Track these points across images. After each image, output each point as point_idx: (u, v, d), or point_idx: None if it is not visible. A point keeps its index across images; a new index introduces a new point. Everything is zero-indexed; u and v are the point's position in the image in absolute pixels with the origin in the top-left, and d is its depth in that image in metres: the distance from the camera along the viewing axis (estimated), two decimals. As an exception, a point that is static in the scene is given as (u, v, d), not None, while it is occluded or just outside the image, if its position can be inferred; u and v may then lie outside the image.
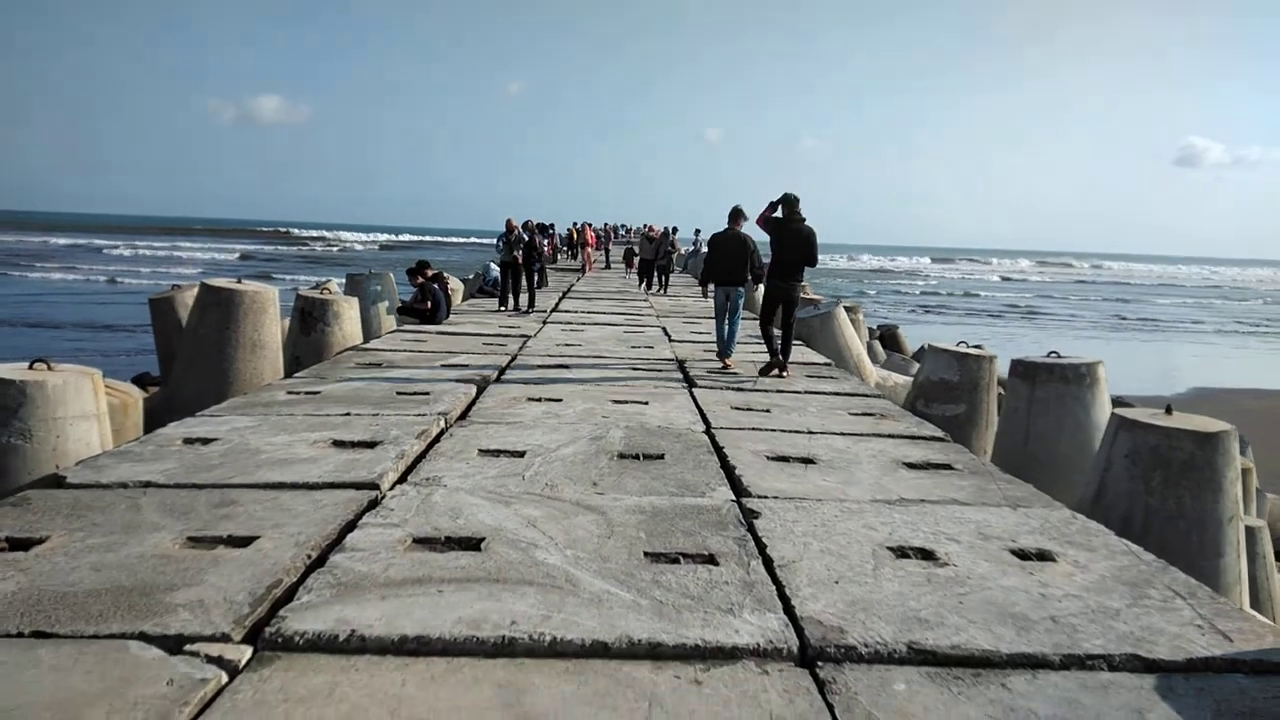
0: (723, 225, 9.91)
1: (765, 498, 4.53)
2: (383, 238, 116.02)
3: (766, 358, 9.29)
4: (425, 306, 12.93)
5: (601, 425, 6.16)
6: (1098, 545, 4.00)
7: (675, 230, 25.67)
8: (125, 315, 28.16)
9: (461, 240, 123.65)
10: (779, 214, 9.07)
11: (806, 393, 8.01)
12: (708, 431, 6.14)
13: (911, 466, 5.33)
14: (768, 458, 5.39)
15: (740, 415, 6.79)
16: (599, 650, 2.80)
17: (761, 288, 9.87)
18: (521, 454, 5.26)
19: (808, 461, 5.35)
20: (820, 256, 9.37)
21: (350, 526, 3.84)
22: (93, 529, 3.73)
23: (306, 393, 6.97)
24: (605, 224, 43.30)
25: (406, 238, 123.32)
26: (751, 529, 4.02)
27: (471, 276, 23.38)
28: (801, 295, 10.49)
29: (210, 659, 2.68)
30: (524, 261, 15.39)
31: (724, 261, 9.82)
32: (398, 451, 5.09)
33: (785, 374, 8.89)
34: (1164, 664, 2.88)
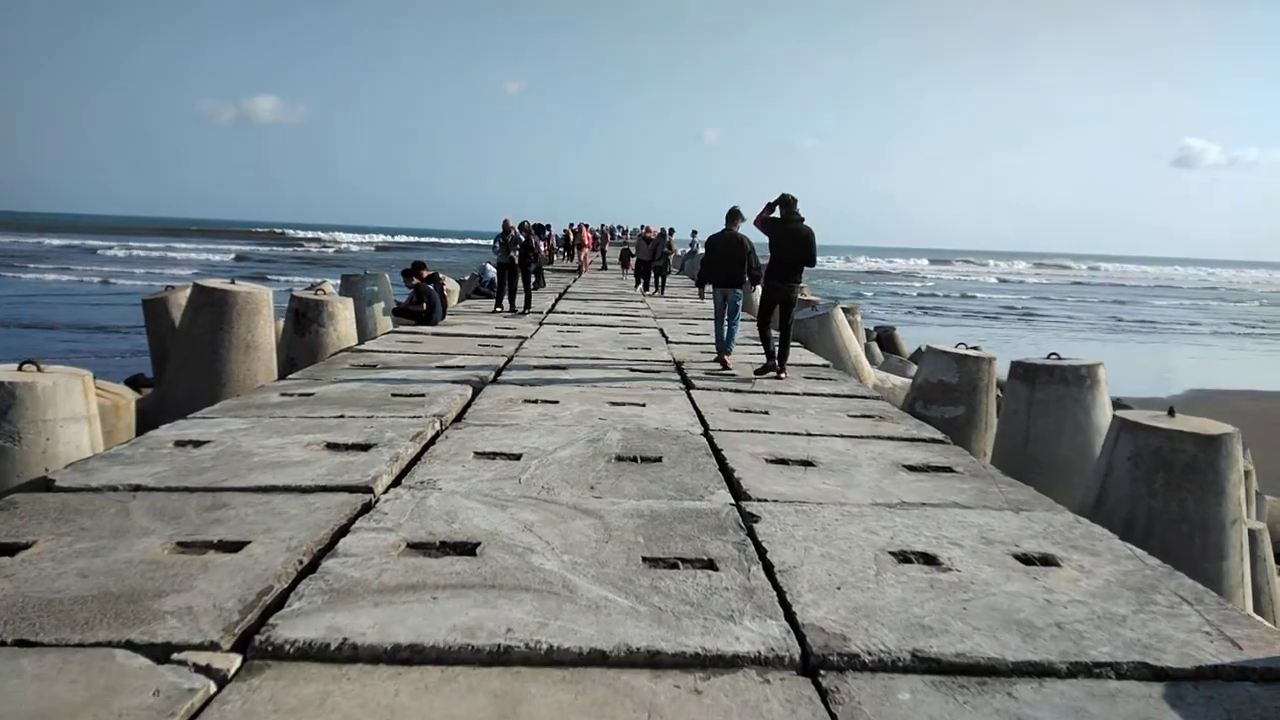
0: (720, 226, 9.87)
1: (765, 501, 4.48)
2: (379, 238, 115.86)
3: (765, 359, 9.24)
4: (421, 308, 12.86)
5: (599, 427, 6.10)
6: (1102, 550, 3.95)
7: (672, 231, 25.62)
8: (119, 316, 28.04)
9: (458, 241, 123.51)
10: (777, 214, 9.02)
11: (805, 394, 7.95)
12: (706, 434, 6.08)
13: (912, 469, 5.28)
14: (767, 460, 5.33)
15: (738, 417, 6.73)
16: (597, 658, 2.74)
17: (759, 289, 9.82)
18: (518, 457, 5.20)
19: (807, 464, 5.30)
20: (818, 257, 9.32)
21: (343, 531, 3.78)
22: (81, 534, 3.66)
23: (300, 394, 6.90)
24: (602, 225, 43.22)
25: (403, 238, 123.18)
26: (751, 533, 3.97)
27: (468, 277, 23.31)
28: (800, 296, 10.44)
29: (198, 668, 2.62)
30: (520, 262, 15.33)
31: (721, 263, 9.78)
32: (392, 454, 5.03)
33: (783, 375, 8.84)
34: (1172, 672, 2.82)
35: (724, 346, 9.57)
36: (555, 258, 33.01)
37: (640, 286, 22.40)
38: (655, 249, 22.11)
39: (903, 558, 3.73)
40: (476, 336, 11.52)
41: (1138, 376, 23.91)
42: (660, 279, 22.02)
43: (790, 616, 3.09)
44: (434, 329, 12.18)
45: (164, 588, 3.12)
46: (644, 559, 3.58)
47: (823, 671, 2.74)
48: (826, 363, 10.53)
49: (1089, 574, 3.63)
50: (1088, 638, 3.01)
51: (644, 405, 7.05)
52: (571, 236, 32.90)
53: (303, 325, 10.82)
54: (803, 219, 8.93)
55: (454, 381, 7.73)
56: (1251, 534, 6.22)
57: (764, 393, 7.97)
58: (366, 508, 4.13)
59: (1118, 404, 9.07)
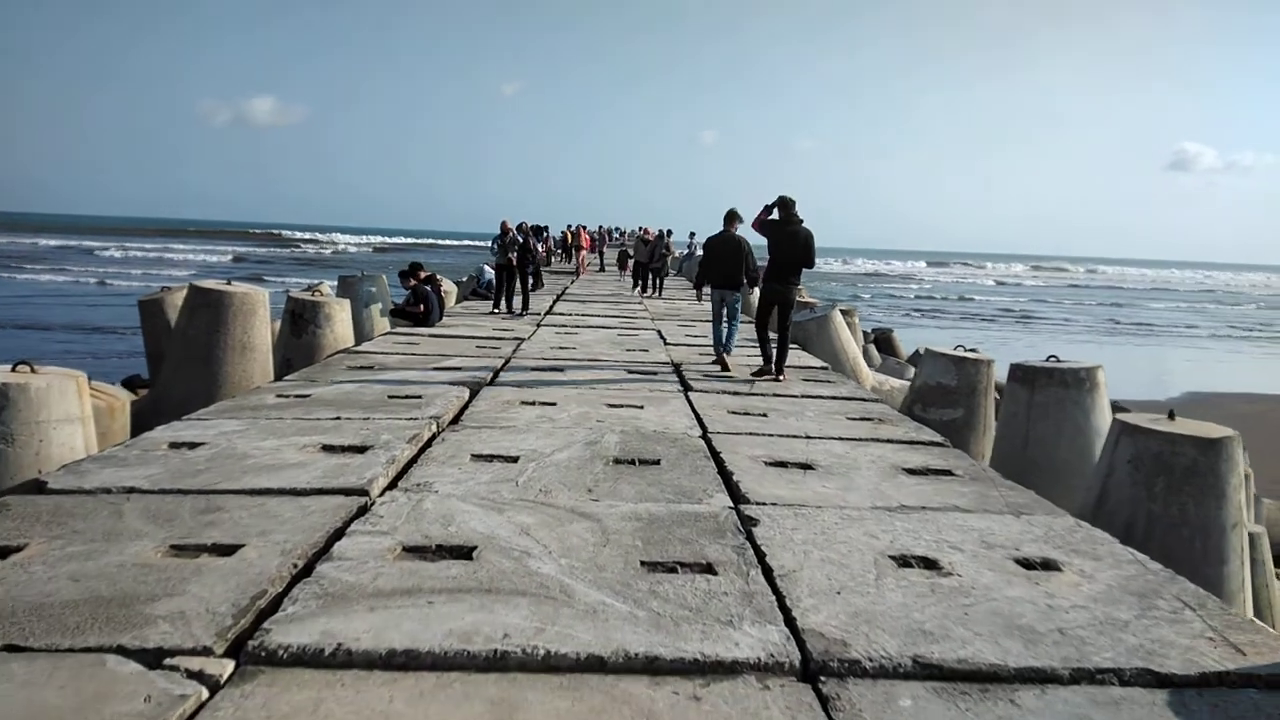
0: (717, 228, 9.86)
1: (764, 504, 4.44)
2: (376, 240, 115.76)
3: (762, 361, 9.21)
4: (418, 309, 12.82)
5: (596, 430, 6.07)
6: (1103, 554, 3.92)
7: (670, 233, 25.61)
8: (116, 317, 27.98)
9: (455, 242, 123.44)
10: (775, 216, 8.99)
11: (804, 397, 7.93)
12: (704, 436, 6.05)
13: (911, 472, 5.25)
14: (765, 463, 5.30)
15: (737, 419, 6.70)
16: (595, 665, 2.71)
17: (757, 290, 9.80)
18: (515, 459, 5.17)
19: (806, 467, 5.26)
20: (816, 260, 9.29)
21: (338, 534, 3.74)
22: (73, 536, 3.62)
23: (296, 396, 6.86)
24: (600, 227, 43.17)
25: (400, 240, 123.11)
26: (750, 537, 3.93)
27: (466, 279, 23.28)
28: (798, 298, 10.42)
29: (190, 674, 2.58)
30: (519, 264, 15.30)
31: (719, 264, 9.76)
32: (388, 456, 4.99)
33: (781, 378, 8.81)
34: (1176, 678, 2.79)
35: (723, 348, 9.54)
36: (553, 259, 32.97)
37: (638, 288, 22.38)
38: (653, 251, 22.09)
39: (903, 562, 3.69)
40: (474, 338, 11.49)
41: (1135, 379, 23.93)
42: (658, 281, 22.00)
43: (790, 622, 3.05)
44: (431, 330, 12.14)
45: (156, 592, 3.09)
46: (642, 563, 3.55)
47: (823, 678, 2.71)
48: (825, 365, 10.50)
49: (1090, 579, 3.60)
50: (1090, 644, 2.98)
51: (642, 407, 7.02)
52: (569, 238, 32.86)
53: (299, 326, 10.78)
54: (801, 220, 8.91)
55: (451, 383, 7.69)
56: (1251, 537, 6.20)
57: (762, 395, 7.94)
58: (362, 510, 4.09)
59: (1115, 406, 9.07)
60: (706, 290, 10.34)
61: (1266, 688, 2.77)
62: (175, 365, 9.19)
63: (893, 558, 3.73)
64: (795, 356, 10.57)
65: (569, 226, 33.81)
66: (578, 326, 13.58)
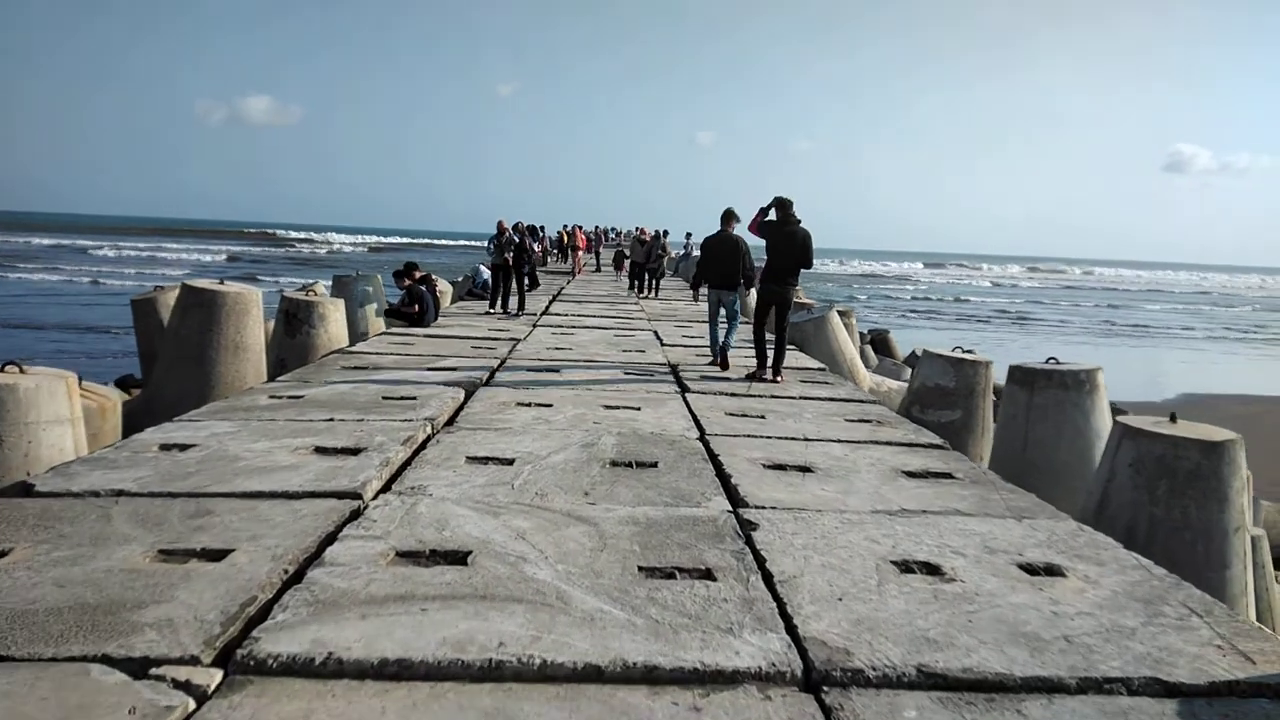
0: (714, 229, 9.81)
1: (763, 508, 4.38)
2: (372, 239, 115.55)
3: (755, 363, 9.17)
4: (413, 309, 12.74)
5: (593, 431, 6.00)
6: (1107, 559, 3.87)
7: (666, 233, 25.56)
8: (110, 316, 27.84)
9: (451, 242, 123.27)
10: (772, 217, 8.94)
11: (801, 398, 7.87)
12: (702, 438, 5.99)
13: (911, 475, 5.19)
14: (764, 466, 5.24)
15: (735, 421, 6.64)
16: (592, 674, 2.64)
17: (754, 291, 9.76)
18: (510, 461, 5.10)
19: (805, 470, 5.21)
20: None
21: (330, 539, 3.67)
22: (59, 541, 3.55)
23: (289, 397, 6.79)
24: (596, 227, 43.09)
25: (396, 239, 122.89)
26: (749, 541, 3.87)
27: (461, 279, 23.21)
28: (795, 299, 10.36)
29: (177, 684, 2.51)
30: (515, 264, 15.23)
31: (716, 264, 9.71)
32: (382, 459, 4.92)
33: (779, 379, 8.75)
34: (1185, 688, 2.74)
35: (722, 349, 9.48)
36: (549, 259, 32.89)
37: (634, 289, 22.32)
38: (649, 251, 22.03)
39: (905, 567, 3.64)
40: (469, 338, 11.41)
41: (1131, 380, 23.92)
42: (654, 281, 21.94)
43: (791, 629, 2.99)
44: (426, 331, 12.07)
45: (144, 598, 3.02)
46: (640, 568, 3.48)
47: (825, 688, 2.65)
48: (823, 366, 10.45)
49: (1095, 584, 3.55)
50: (1097, 651, 2.92)
51: (639, 409, 6.96)
52: (566, 238, 32.79)
53: (293, 326, 10.70)
54: (799, 221, 8.85)
55: (446, 384, 7.62)
56: (1252, 540, 6.16)
57: (760, 396, 7.89)
58: (355, 514, 4.02)
59: (1114, 408, 9.02)
60: (703, 290, 10.29)
61: (1277, 697, 2.71)
62: (167, 365, 9.11)
63: (894, 563, 3.67)
64: (793, 358, 10.52)
65: (565, 226, 33.75)
66: (574, 327, 13.51)
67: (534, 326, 13.32)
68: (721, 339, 9.56)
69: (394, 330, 12.21)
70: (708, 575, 3.45)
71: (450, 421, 6.27)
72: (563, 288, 22.55)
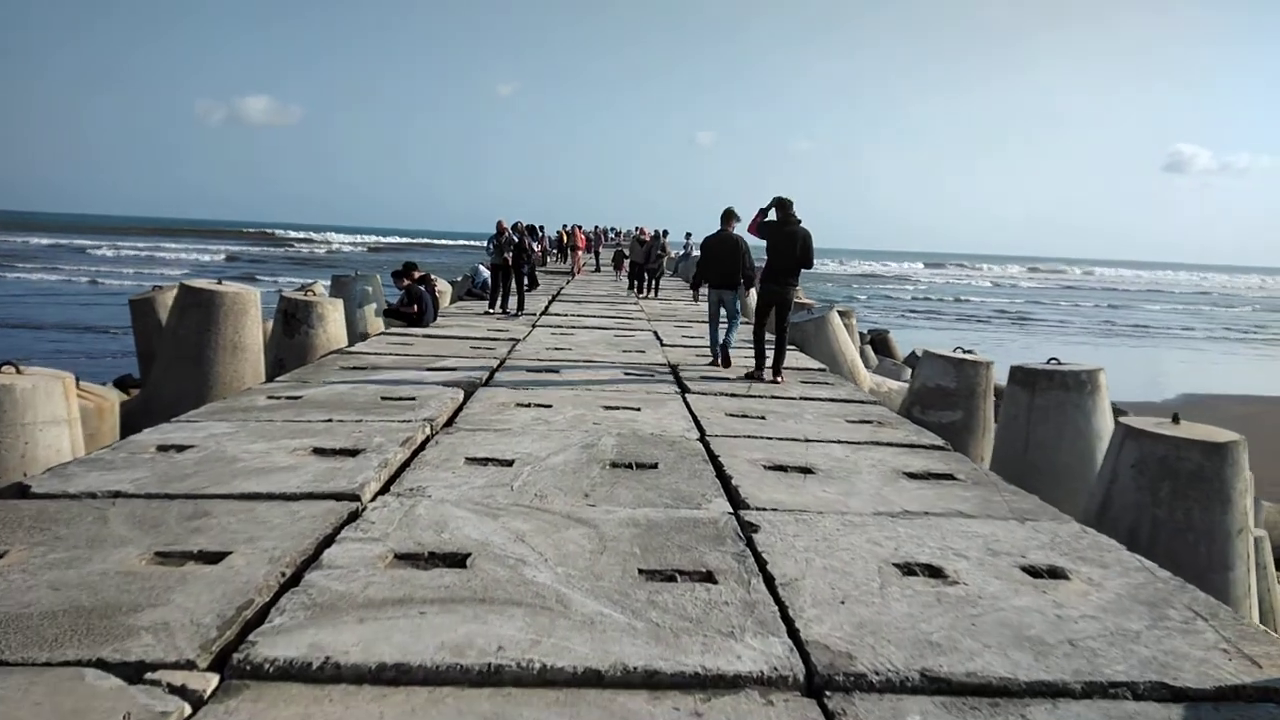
0: (714, 229, 9.78)
1: (764, 510, 4.36)
2: (371, 239, 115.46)
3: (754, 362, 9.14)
4: (412, 309, 12.71)
5: (593, 432, 5.98)
6: (1110, 561, 3.84)
7: (666, 233, 25.53)
8: (109, 316, 27.80)
9: (451, 242, 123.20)
10: (772, 217, 8.91)
11: (802, 399, 7.84)
12: (702, 439, 5.96)
13: (913, 477, 5.16)
14: (765, 467, 5.21)
15: (735, 422, 6.62)
16: (592, 679, 2.62)
17: (754, 291, 9.74)
18: (510, 462, 5.07)
19: (806, 471, 5.18)
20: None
21: (328, 541, 3.64)
22: (55, 543, 3.52)
23: (288, 397, 6.76)
24: (595, 227, 43.06)
25: (395, 239, 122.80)
26: (750, 544, 3.84)
27: (460, 278, 23.18)
28: (795, 299, 10.34)
29: (173, 689, 2.48)
30: (514, 264, 15.20)
31: (716, 264, 9.69)
32: (380, 460, 4.89)
33: (780, 380, 8.72)
34: (1192, 692, 2.71)
35: (723, 347, 9.46)
36: (548, 259, 32.85)
37: (634, 289, 22.29)
38: (649, 251, 22.00)
39: (907, 570, 3.61)
40: (469, 338, 11.39)
41: (1131, 381, 23.90)
42: (654, 281, 21.92)
43: (793, 633, 2.96)
44: (425, 331, 12.04)
45: (140, 601, 2.99)
46: (640, 571, 3.46)
47: (828, 692, 2.62)
48: (823, 366, 10.42)
49: (1099, 587, 3.52)
50: (1102, 655, 2.90)
51: (639, 409, 6.93)
52: (565, 238, 32.75)
53: (292, 326, 10.67)
54: (799, 220, 8.82)
55: (445, 384, 7.59)
56: (1254, 541, 6.13)
57: (760, 397, 7.86)
58: (353, 516, 3.99)
59: (1114, 409, 8.99)
60: (704, 290, 10.27)
61: (1285, 702, 2.69)
62: (166, 365, 9.08)
63: (897, 565, 3.64)
64: (793, 358, 10.49)
65: (564, 226, 33.71)
66: (573, 327, 13.49)
67: (533, 327, 13.29)
68: (722, 338, 9.54)
69: (393, 330, 12.19)
70: (709, 578, 3.42)
71: (449, 422, 6.24)
72: (562, 288, 22.52)
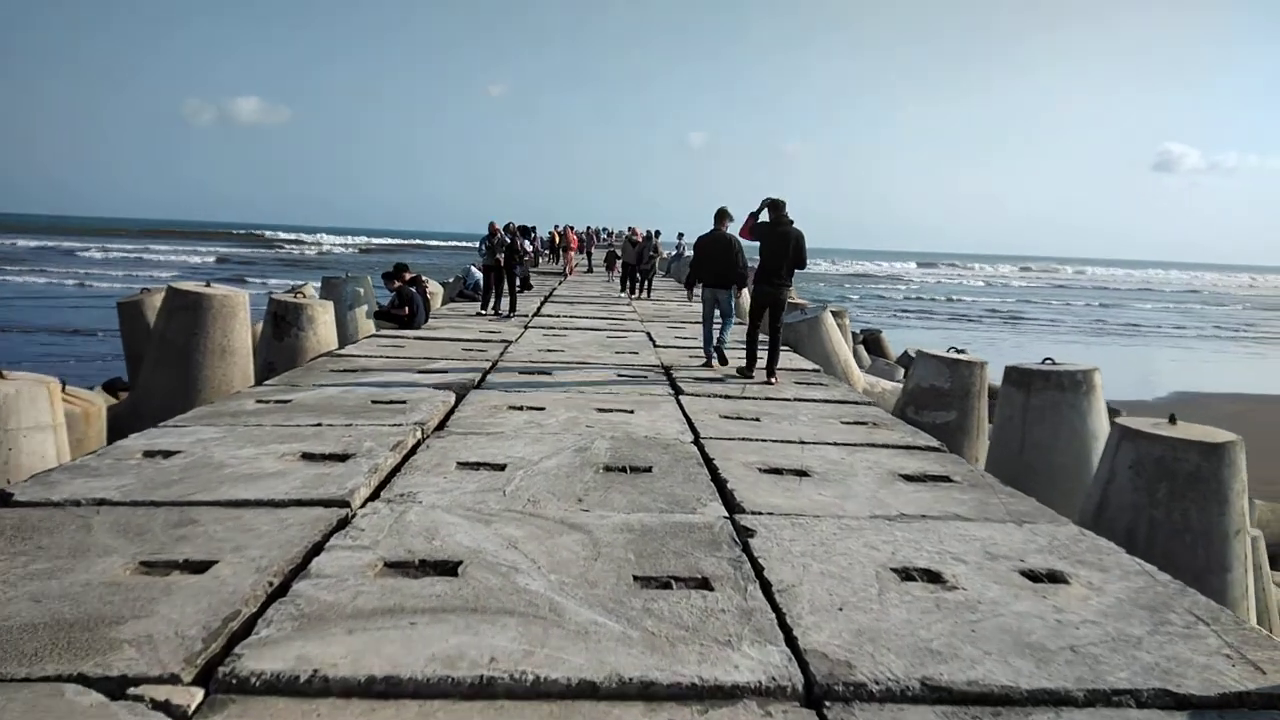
0: (706, 229, 9.74)
1: (759, 514, 4.30)
2: (362, 240, 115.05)
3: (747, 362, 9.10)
4: (403, 311, 12.62)
5: (586, 435, 5.92)
6: (1110, 565, 3.80)
7: (658, 234, 25.48)
8: (98, 319, 27.60)
9: (442, 243, 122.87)
10: (765, 218, 8.88)
11: (796, 400, 7.80)
12: (696, 442, 5.91)
13: (909, 479, 5.12)
14: (760, 470, 5.16)
15: (730, 424, 6.56)
16: (586, 690, 2.56)
17: (746, 292, 9.69)
18: (502, 467, 5.01)
19: (801, 474, 5.13)
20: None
21: (317, 549, 3.57)
22: (37, 553, 3.44)
23: (277, 401, 6.68)
24: (588, 227, 43.02)
25: (387, 240, 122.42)
26: (747, 549, 3.79)
27: (452, 280, 23.08)
28: (788, 300, 10.29)
29: (156, 704, 2.42)
30: (506, 265, 15.12)
31: (710, 263, 9.65)
32: (370, 465, 4.83)
33: (774, 380, 8.68)
34: (1195, 699, 2.67)
35: (718, 346, 9.42)
36: (540, 260, 32.77)
37: (626, 289, 22.23)
38: (641, 252, 21.95)
39: (905, 575, 3.56)
40: (460, 340, 11.31)
41: (1122, 379, 23.94)
42: (646, 282, 21.86)
43: (791, 641, 2.91)
44: (417, 333, 11.96)
45: (123, 613, 2.92)
46: (635, 578, 3.40)
47: (828, 703, 2.57)
48: (817, 367, 10.38)
49: (1099, 591, 3.48)
50: (1104, 662, 2.85)
51: (632, 412, 6.88)
52: (557, 239, 32.67)
53: (281, 329, 10.58)
54: (792, 221, 8.79)
55: (436, 387, 7.52)
56: (1250, 541, 6.10)
57: (755, 399, 7.81)
58: (342, 523, 3.92)
59: (1107, 408, 8.97)
60: (697, 290, 10.23)
61: (1290, 709, 2.65)
62: (153, 369, 8.98)
63: (895, 570, 3.60)
64: (787, 359, 10.44)
65: (556, 227, 33.65)
66: (566, 329, 13.42)
67: (526, 328, 13.22)
68: (716, 337, 9.50)
69: (384, 333, 12.10)
70: (705, 584, 3.37)
71: (441, 426, 6.18)
72: (554, 289, 22.44)
